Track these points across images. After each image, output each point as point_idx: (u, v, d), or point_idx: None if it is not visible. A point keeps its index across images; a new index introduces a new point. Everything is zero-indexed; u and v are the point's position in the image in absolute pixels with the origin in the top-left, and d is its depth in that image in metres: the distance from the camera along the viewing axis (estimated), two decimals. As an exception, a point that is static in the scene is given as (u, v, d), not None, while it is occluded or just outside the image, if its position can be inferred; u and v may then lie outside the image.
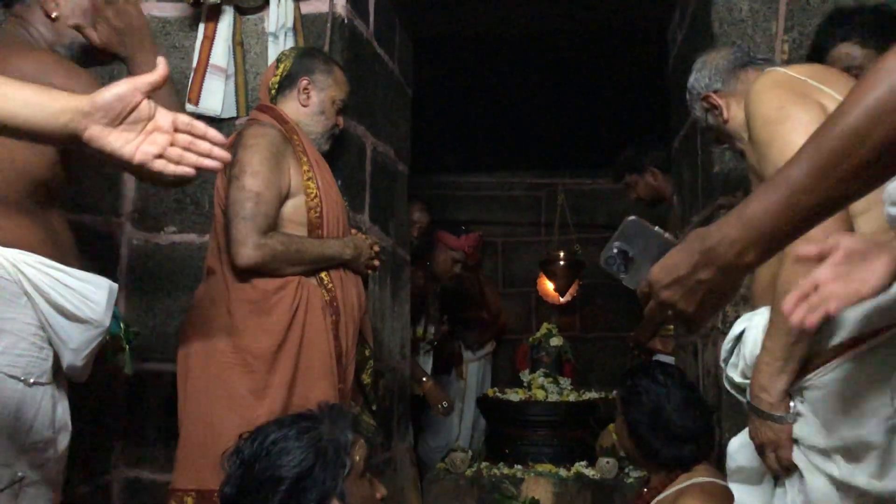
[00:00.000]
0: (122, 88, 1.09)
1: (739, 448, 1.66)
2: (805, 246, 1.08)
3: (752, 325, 1.59)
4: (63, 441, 1.55)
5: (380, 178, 3.08)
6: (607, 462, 3.83)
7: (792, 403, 1.49)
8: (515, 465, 4.00)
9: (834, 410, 1.44)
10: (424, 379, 4.11)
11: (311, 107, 2.26)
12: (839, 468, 1.44)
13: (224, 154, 1.19)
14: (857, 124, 0.94)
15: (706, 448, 2.16)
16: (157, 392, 2.49)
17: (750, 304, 1.71)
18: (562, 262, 5.68)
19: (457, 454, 4.13)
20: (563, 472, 3.92)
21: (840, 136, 0.96)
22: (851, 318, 1.41)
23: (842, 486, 1.43)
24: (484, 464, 4.08)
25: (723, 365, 1.67)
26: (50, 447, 1.46)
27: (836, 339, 1.43)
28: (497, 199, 6.47)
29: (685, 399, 2.16)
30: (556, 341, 4.65)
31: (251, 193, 2.03)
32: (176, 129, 1.13)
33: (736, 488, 1.69)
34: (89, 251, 2.36)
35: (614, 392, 2.45)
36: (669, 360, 3.37)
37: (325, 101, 2.27)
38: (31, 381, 1.43)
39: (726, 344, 1.66)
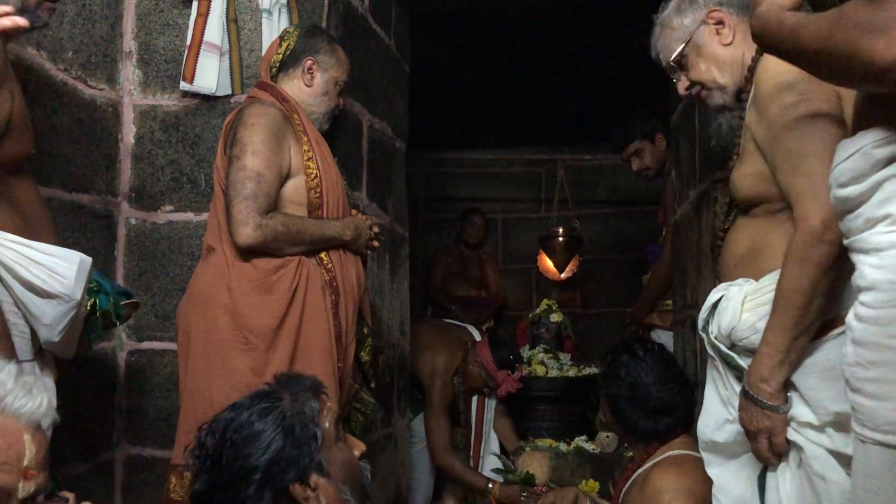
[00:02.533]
0: None
1: (717, 430, 1.66)
2: None
3: (729, 296, 1.60)
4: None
5: (377, 155, 3.08)
6: (607, 436, 3.86)
7: (789, 393, 1.50)
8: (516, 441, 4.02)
9: (820, 388, 1.46)
10: (491, 485, 3.50)
11: (314, 87, 2.25)
12: (832, 440, 1.46)
13: (18, 21, 1.21)
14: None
15: (685, 421, 2.19)
16: (157, 370, 2.50)
17: (725, 274, 1.70)
18: (561, 239, 5.68)
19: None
20: (562, 446, 3.95)
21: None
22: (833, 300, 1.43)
23: (837, 456, 1.45)
24: (484, 439, 4.10)
25: (702, 333, 1.69)
26: None
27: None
28: (496, 175, 6.46)
29: (663, 373, 2.19)
30: (555, 317, 4.67)
31: (252, 173, 2.03)
32: None
33: (712, 460, 1.70)
34: (87, 231, 2.37)
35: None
36: (668, 335, 3.38)
37: (329, 81, 2.26)
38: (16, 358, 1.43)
39: (703, 312, 1.67)
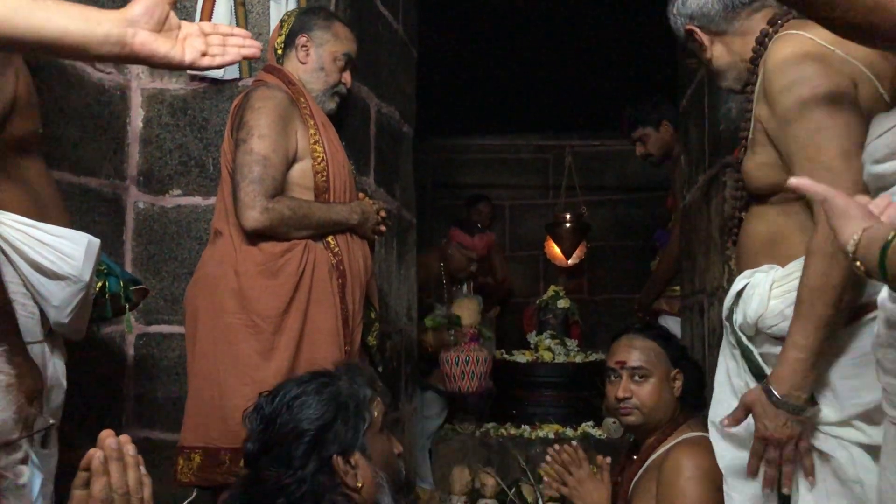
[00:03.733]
0: None
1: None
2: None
3: (755, 283, 1.56)
4: (56, 398, 1.56)
5: (385, 140, 3.07)
6: (613, 422, 3.86)
7: (815, 393, 1.45)
8: (522, 426, 4.04)
9: (854, 375, 1.41)
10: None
11: (309, 63, 2.23)
12: (866, 434, 1.41)
13: (256, 43, 1.25)
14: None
15: (697, 405, 2.20)
16: (166, 353, 2.52)
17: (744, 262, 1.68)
18: (568, 225, 5.67)
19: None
20: (569, 431, 3.96)
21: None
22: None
23: (873, 452, 1.39)
24: (491, 424, 4.12)
25: (725, 322, 1.66)
26: (43, 404, 1.48)
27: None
28: (504, 161, 6.45)
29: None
30: (562, 303, 4.66)
31: (259, 157, 2.02)
32: (203, 34, 1.17)
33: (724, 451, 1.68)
34: (96, 215, 2.37)
35: None
36: (675, 320, 3.37)
37: (325, 56, 2.23)
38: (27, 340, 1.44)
39: (727, 301, 1.63)
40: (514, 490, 3.68)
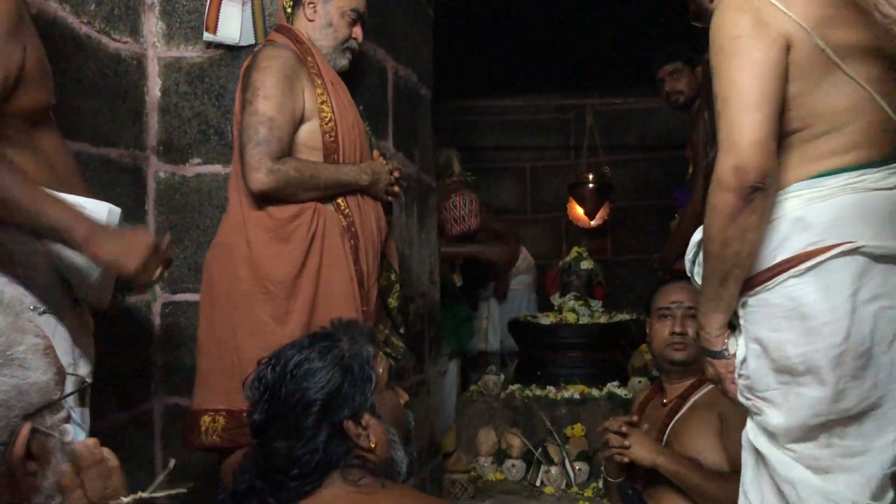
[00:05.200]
0: None
1: None
2: None
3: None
4: (83, 367, 1.58)
5: (402, 103, 3.04)
6: (639, 381, 3.86)
7: (727, 340, 1.54)
8: (548, 387, 4.05)
9: (773, 329, 1.46)
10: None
11: (317, 20, 2.20)
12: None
13: None
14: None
15: None
16: (192, 321, 2.53)
17: None
18: (591, 185, 5.62)
19: (489, 377, 4.19)
20: (594, 392, 3.96)
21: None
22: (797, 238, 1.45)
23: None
24: (516, 386, 4.14)
25: (690, 275, 1.68)
26: (70, 372, 1.49)
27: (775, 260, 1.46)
28: (524, 123, 6.39)
29: None
30: (586, 264, 4.64)
31: (264, 118, 2.01)
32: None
33: None
34: (117, 186, 2.38)
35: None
36: (699, 279, 3.35)
37: (332, 12, 2.20)
38: (42, 309, 1.45)
39: (689, 252, 1.65)
40: (540, 450, 3.71)
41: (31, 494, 0.97)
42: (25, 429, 0.94)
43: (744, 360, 1.52)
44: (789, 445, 1.48)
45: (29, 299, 1.42)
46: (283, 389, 1.43)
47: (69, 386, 1.07)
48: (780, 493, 1.49)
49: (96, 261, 1.49)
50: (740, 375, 1.54)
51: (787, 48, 1.42)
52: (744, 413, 1.61)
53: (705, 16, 1.81)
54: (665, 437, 2.21)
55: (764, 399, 1.50)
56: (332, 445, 1.40)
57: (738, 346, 1.53)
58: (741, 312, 1.53)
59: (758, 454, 1.53)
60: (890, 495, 1.47)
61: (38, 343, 0.98)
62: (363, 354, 1.47)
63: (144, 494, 1.10)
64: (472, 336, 4.44)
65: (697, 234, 1.63)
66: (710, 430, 2.10)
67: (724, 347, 1.54)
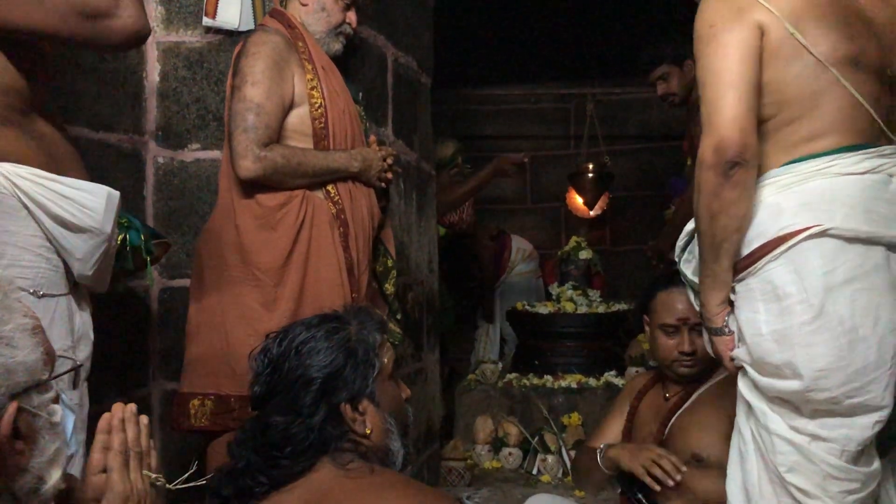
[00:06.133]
0: None
1: None
2: None
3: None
4: (83, 350, 1.58)
5: (402, 90, 3.03)
6: (636, 371, 3.87)
7: (727, 318, 1.59)
8: (545, 376, 4.06)
9: (762, 311, 1.51)
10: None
11: (310, 4, 2.20)
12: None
13: None
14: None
15: None
16: (188, 307, 2.54)
17: None
18: (591, 175, 5.60)
19: (487, 366, 4.19)
20: (591, 381, 3.97)
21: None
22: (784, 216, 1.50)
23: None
24: (513, 374, 4.14)
25: (677, 262, 1.71)
26: (70, 356, 1.49)
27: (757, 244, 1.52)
28: (524, 111, 6.37)
29: None
30: (584, 254, 4.64)
31: (252, 104, 2.00)
32: None
33: None
34: (116, 170, 2.38)
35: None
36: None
37: None
38: (41, 292, 1.45)
39: (680, 241, 1.71)
40: (537, 439, 3.72)
41: (17, 473, 0.97)
42: (12, 407, 0.94)
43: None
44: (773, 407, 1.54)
45: (26, 282, 1.42)
46: (287, 364, 1.43)
47: (60, 368, 1.08)
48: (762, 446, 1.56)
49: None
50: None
51: (762, 34, 1.48)
52: None
53: None
54: (667, 430, 2.18)
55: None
56: (328, 427, 1.40)
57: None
58: (733, 298, 1.57)
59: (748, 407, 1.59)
60: (877, 463, 1.51)
61: (25, 323, 0.98)
62: (369, 340, 1.47)
63: (171, 487, 1.22)
64: (452, 322, 4.46)
65: (690, 224, 1.66)
66: (717, 428, 2.06)
67: (725, 324, 1.59)
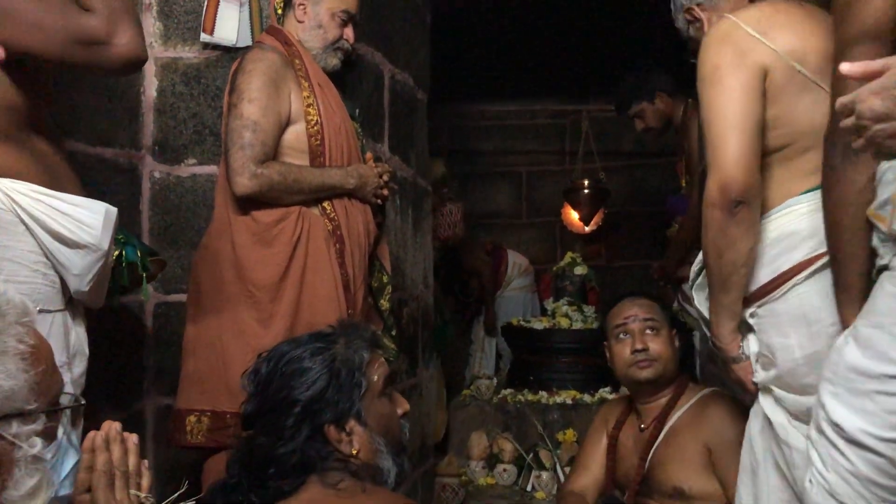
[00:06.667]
0: None
1: None
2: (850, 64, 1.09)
3: None
4: (78, 366, 1.57)
5: (399, 107, 3.05)
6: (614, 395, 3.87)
7: (741, 344, 1.62)
8: (540, 392, 4.06)
9: (790, 334, 1.54)
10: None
11: (307, 21, 2.20)
12: (786, 401, 1.57)
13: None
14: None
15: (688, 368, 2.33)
16: (184, 322, 2.52)
17: None
18: (586, 191, 5.63)
19: (482, 381, 4.19)
20: (586, 397, 3.97)
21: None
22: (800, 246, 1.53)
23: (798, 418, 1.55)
24: (508, 391, 4.14)
25: (688, 290, 1.74)
26: (65, 372, 1.49)
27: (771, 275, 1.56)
28: (520, 127, 6.40)
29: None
30: (580, 270, 4.66)
31: (248, 121, 2.01)
32: None
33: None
34: (112, 185, 2.38)
35: None
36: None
37: (322, 13, 2.19)
38: (38, 308, 1.44)
39: (695, 266, 1.73)
40: (531, 455, 3.71)
41: None
42: None
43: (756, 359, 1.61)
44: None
45: (26, 301, 1.41)
46: (273, 385, 1.43)
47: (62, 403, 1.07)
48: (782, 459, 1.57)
49: None
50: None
51: (765, 75, 1.53)
52: (732, 440, 1.74)
53: None
54: (647, 464, 2.15)
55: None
56: (312, 448, 1.39)
57: (752, 346, 1.62)
58: (753, 322, 1.61)
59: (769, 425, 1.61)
60: None
61: (14, 348, 0.96)
62: (355, 359, 1.46)
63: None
64: (445, 342, 4.46)
65: (699, 261, 1.71)
66: (696, 459, 2.05)
67: (741, 351, 1.63)
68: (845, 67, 1.07)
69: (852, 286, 1.37)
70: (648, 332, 2.17)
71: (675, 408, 2.16)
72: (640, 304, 2.23)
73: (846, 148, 1.27)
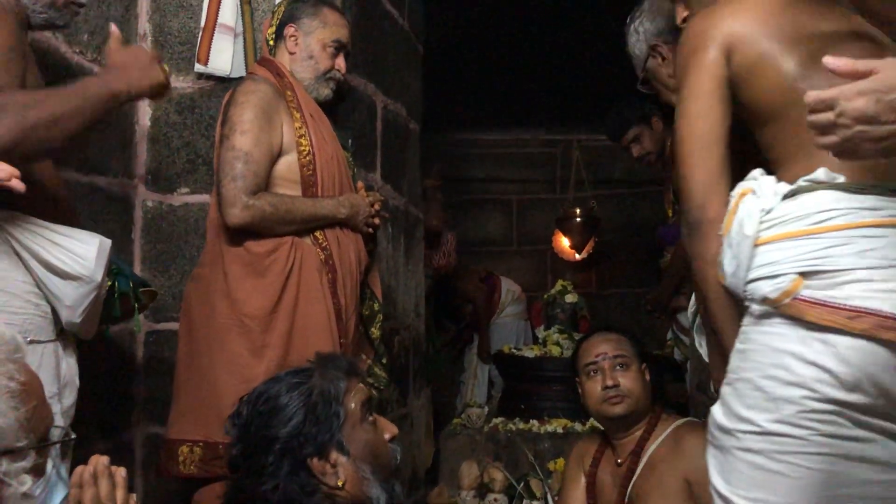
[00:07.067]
0: None
1: None
2: (835, 59, 1.06)
3: None
4: (68, 397, 1.57)
5: (391, 136, 3.07)
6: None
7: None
8: (531, 421, 4.04)
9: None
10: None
11: (298, 52, 2.23)
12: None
13: None
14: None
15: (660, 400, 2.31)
16: (174, 351, 2.51)
17: None
18: (578, 219, 5.65)
19: (472, 409, 4.17)
20: (577, 426, 3.96)
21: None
22: None
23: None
24: (499, 419, 4.12)
25: (690, 328, 1.71)
26: (55, 403, 1.49)
27: None
28: (512, 156, 6.44)
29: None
30: (570, 298, 4.66)
31: (240, 153, 2.03)
32: None
33: None
34: (104, 213, 2.39)
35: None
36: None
37: (313, 44, 2.22)
38: (29, 339, 1.44)
39: (690, 308, 1.69)
40: (522, 485, 3.69)
41: None
42: None
43: None
44: None
45: (14, 329, 1.41)
46: (253, 426, 1.43)
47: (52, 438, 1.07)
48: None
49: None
50: None
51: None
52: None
53: (658, 83, 1.89)
54: (626, 498, 2.14)
55: None
56: (295, 483, 1.39)
57: None
58: None
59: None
60: None
61: (4, 386, 0.96)
62: (331, 391, 1.45)
63: None
64: (439, 370, 4.47)
65: (693, 303, 1.69)
66: (677, 492, 2.03)
67: None
68: (829, 60, 1.05)
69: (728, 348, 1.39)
70: (618, 368, 2.18)
71: (649, 440, 2.15)
72: (608, 341, 2.24)
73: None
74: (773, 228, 1.31)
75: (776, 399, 1.25)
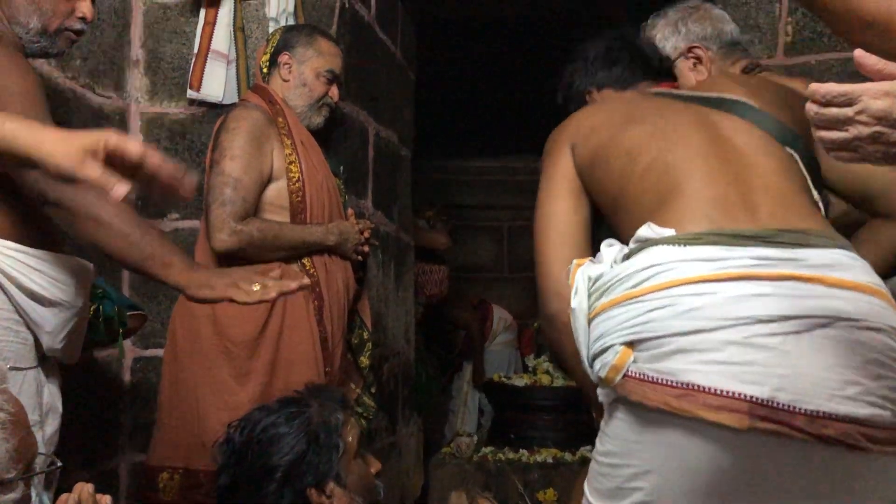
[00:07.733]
0: None
1: None
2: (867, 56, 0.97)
3: None
4: (51, 424, 1.55)
5: (383, 163, 3.08)
6: (612, 446, 3.83)
7: None
8: (521, 450, 4.01)
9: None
10: None
11: (291, 80, 2.24)
12: None
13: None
14: None
15: None
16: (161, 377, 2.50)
17: None
18: (568, 247, 5.65)
19: (462, 439, 4.14)
20: (567, 456, 3.93)
21: None
22: None
23: None
24: (489, 448, 4.09)
25: None
26: (37, 431, 1.46)
27: None
28: (502, 183, 6.46)
29: None
30: (561, 326, 4.65)
31: (230, 178, 2.03)
32: None
33: None
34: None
35: None
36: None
37: (307, 73, 2.23)
38: (9, 366, 1.42)
39: None
40: (511, 514, 3.65)
41: None
42: None
43: None
44: None
45: (1, 364, 1.39)
46: (249, 454, 1.43)
47: (38, 467, 1.05)
48: None
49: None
50: None
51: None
52: None
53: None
54: None
55: None
56: None
57: None
58: None
59: None
60: None
61: None
62: (331, 422, 1.47)
63: None
64: (430, 399, 4.44)
65: None
66: None
67: None
68: (860, 53, 0.95)
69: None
70: None
71: None
72: None
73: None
74: (603, 297, 1.18)
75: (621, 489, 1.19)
